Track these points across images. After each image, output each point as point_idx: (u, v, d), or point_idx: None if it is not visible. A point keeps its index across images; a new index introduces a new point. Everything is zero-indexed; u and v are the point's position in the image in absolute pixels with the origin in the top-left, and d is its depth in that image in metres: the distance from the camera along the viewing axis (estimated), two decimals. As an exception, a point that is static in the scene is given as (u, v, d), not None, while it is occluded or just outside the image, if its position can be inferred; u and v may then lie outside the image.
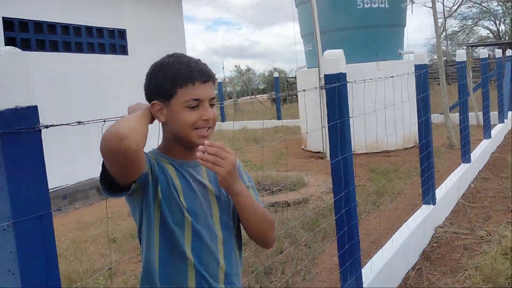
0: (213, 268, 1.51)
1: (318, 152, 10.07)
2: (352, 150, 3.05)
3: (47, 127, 1.22)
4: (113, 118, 1.36)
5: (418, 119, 4.73)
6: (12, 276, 1.17)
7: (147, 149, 1.52)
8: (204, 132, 1.47)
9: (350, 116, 3.00)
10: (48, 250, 1.21)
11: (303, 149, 10.87)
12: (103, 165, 1.36)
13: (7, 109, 1.13)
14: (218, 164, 1.41)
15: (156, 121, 1.49)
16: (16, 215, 1.14)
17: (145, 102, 1.53)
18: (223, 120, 17.68)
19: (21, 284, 1.16)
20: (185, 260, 1.47)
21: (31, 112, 1.17)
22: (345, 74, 2.95)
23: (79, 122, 1.33)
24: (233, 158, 1.44)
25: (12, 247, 1.15)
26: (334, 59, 2.91)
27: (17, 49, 1.16)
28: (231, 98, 28.09)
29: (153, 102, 1.46)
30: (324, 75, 2.96)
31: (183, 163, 1.52)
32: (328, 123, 2.95)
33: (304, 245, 4.65)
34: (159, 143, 1.59)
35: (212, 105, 1.49)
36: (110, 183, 1.38)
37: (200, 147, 1.42)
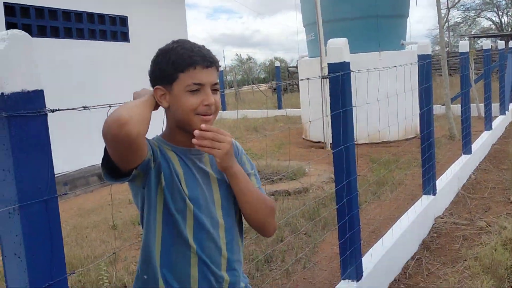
0: (215, 255, 1.51)
1: (319, 142, 10.07)
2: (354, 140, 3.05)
3: (53, 111, 1.22)
4: (119, 103, 1.36)
5: (420, 109, 4.72)
6: (18, 259, 1.17)
7: (151, 135, 1.52)
8: (205, 117, 1.46)
9: (353, 105, 3.00)
10: (53, 234, 1.22)
11: (303, 138, 10.87)
12: (105, 150, 1.36)
13: (14, 93, 1.12)
14: (215, 147, 1.42)
15: (160, 108, 1.49)
16: (22, 198, 1.14)
17: (149, 88, 1.53)
18: (224, 109, 17.63)
19: (27, 267, 1.17)
20: (188, 247, 1.47)
21: (38, 96, 1.17)
22: (348, 63, 2.94)
23: (85, 107, 1.32)
24: (230, 140, 1.46)
25: (18, 230, 1.16)
26: (338, 48, 2.89)
27: (23, 32, 1.15)
28: (232, 87, 28.02)
29: (156, 87, 1.46)
30: (328, 64, 2.95)
31: (186, 150, 1.52)
32: (331, 112, 2.94)
33: (304, 234, 4.67)
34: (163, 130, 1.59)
35: (215, 91, 1.49)
36: (112, 168, 1.38)
37: (196, 131, 1.42)
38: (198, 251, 1.48)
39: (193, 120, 1.45)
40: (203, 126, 1.43)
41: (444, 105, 10.27)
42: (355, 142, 3.07)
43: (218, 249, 1.52)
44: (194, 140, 1.42)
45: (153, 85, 1.49)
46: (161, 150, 1.48)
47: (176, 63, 1.43)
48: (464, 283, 3.54)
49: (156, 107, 1.46)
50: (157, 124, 1.62)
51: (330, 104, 2.95)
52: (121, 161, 1.36)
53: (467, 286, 3.49)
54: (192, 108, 1.44)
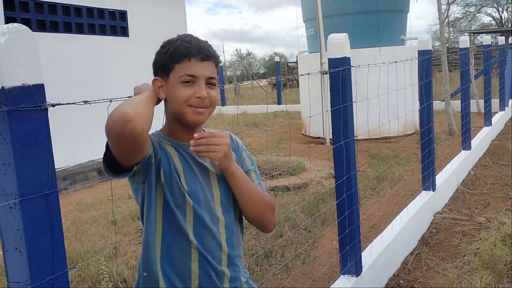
0: (216, 251, 1.52)
1: (318, 138, 10.07)
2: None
3: (53, 105, 1.21)
4: (120, 98, 1.35)
5: (420, 105, 4.72)
6: (18, 253, 1.17)
7: (151, 130, 1.51)
8: (198, 109, 1.46)
9: (353, 101, 3.00)
10: (54, 228, 1.22)
11: (303, 134, 10.87)
12: (107, 145, 1.36)
13: (14, 87, 1.12)
14: (211, 151, 1.42)
15: (161, 103, 1.49)
16: (22, 193, 1.14)
17: (150, 82, 1.53)
18: (223, 104, 17.61)
19: (28, 262, 1.16)
20: (188, 242, 1.48)
21: (38, 90, 1.16)
22: (349, 58, 2.93)
23: (85, 102, 1.32)
24: (227, 141, 1.45)
25: (19, 225, 1.15)
26: (338, 43, 2.89)
27: (24, 26, 1.14)
28: (231, 82, 28.00)
29: (154, 78, 1.48)
30: (328, 59, 2.94)
31: (185, 145, 1.52)
32: (331, 108, 2.94)
33: (304, 229, 4.68)
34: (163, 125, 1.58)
35: (211, 85, 1.49)
36: (113, 163, 1.38)
37: (191, 141, 1.43)
38: (199, 247, 1.48)
39: (185, 111, 1.46)
40: (195, 135, 1.43)
41: (443, 100, 10.26)
42: (355, 138, 3.07)
43: (218, 244, 1.52)
44: (191, 148, 1.43)
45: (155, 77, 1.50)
46: (161, 146, 1.49)
47: (173, 54, 1.45)
48: (463, 279, 3.55)
49: (157, 102, 1.46)
50: (158, 119, 1.62)
51: (331, 99, 2.95)
52: (123, 157, 1.36)
53: (466, 281, 3.50)
54: (184, 99, 1.44)
